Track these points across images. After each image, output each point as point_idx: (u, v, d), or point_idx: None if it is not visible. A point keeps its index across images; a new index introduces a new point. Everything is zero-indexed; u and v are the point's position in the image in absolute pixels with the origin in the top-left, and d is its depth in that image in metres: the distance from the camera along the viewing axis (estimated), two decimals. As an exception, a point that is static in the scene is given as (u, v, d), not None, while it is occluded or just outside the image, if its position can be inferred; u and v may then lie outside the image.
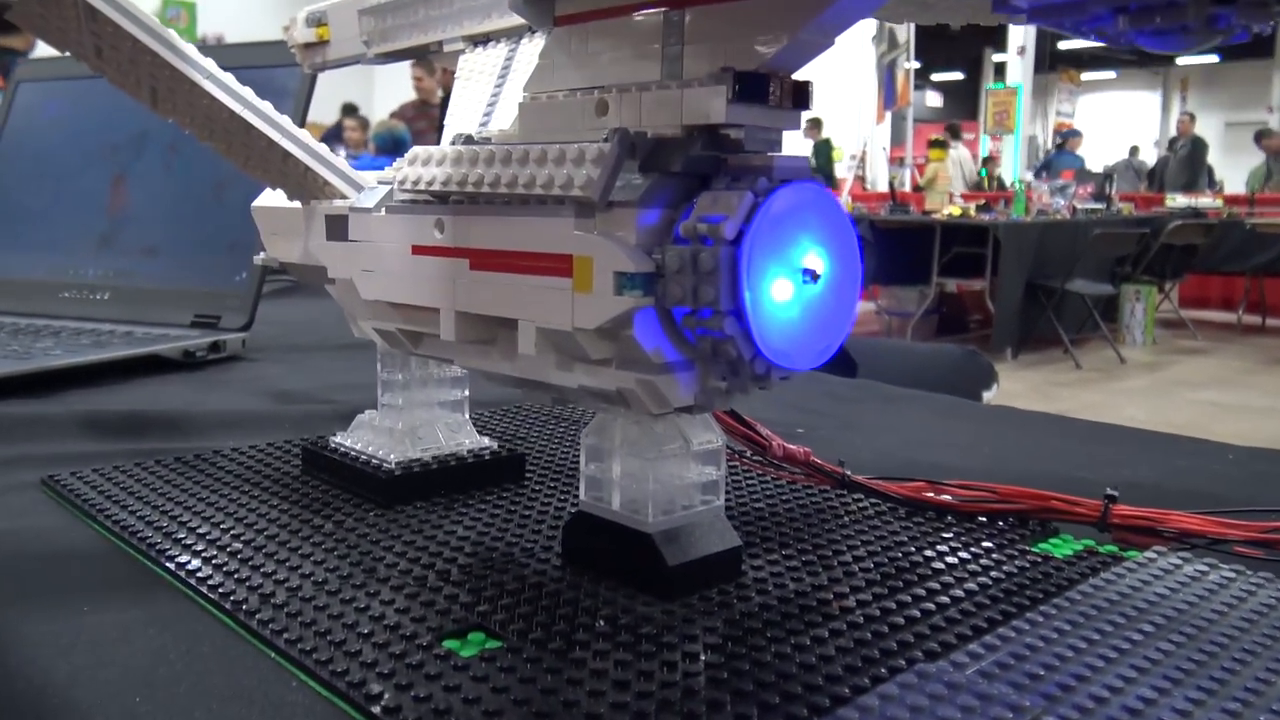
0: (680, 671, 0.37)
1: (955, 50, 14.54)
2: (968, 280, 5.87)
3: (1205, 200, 6.92)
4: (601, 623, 0.42)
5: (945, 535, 0.52)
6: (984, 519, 0.55)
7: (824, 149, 9.27)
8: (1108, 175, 7.21)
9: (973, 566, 0.48)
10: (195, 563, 0.47)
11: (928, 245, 5.77)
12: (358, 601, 0.43)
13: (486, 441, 0.62)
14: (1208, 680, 0.36)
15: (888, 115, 9.99)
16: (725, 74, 0.40)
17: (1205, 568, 0.47)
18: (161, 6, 3.64)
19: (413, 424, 0.60)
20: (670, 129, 0.42)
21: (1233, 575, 0.46)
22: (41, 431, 0.72)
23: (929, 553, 0.50)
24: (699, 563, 0.45)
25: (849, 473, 0.58)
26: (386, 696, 0.35)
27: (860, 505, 0.57)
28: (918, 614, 0.43)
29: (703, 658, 0.39)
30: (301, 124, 1.09)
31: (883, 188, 9.55)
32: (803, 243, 0.41)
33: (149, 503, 0.56)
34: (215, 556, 0.48)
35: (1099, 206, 6.38)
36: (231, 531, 0.52)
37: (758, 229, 0.38)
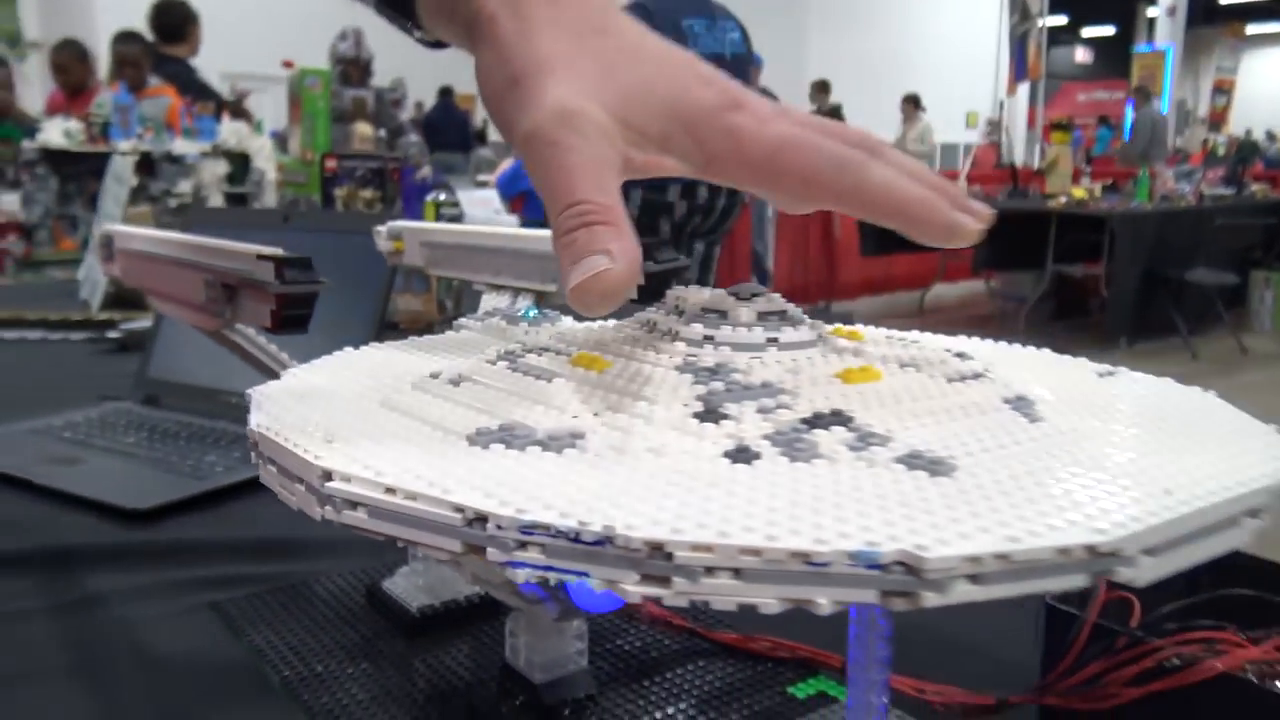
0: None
1: (1106, 2, 13.78)
2: (1087, 265, 5.66)
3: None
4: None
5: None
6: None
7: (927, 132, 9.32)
8: (1241, 158, 6.88)
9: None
10: (323, 699, 0.52)
11: (1045, 229, 5.57)
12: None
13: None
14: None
15: (1021, 87, 9.76)
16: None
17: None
18: (299, 75, 3.67)
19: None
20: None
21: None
22: (213, 553, 0.76)
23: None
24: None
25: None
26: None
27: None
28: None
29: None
30: (386, 302, 1.33)
31: (1021, 159, 9.29)
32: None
33: (281, 631, 0.61)
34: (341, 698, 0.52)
35: (1228, 192, 6.11)
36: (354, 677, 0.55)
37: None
